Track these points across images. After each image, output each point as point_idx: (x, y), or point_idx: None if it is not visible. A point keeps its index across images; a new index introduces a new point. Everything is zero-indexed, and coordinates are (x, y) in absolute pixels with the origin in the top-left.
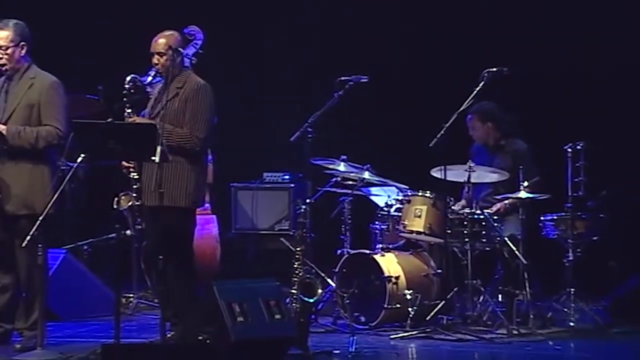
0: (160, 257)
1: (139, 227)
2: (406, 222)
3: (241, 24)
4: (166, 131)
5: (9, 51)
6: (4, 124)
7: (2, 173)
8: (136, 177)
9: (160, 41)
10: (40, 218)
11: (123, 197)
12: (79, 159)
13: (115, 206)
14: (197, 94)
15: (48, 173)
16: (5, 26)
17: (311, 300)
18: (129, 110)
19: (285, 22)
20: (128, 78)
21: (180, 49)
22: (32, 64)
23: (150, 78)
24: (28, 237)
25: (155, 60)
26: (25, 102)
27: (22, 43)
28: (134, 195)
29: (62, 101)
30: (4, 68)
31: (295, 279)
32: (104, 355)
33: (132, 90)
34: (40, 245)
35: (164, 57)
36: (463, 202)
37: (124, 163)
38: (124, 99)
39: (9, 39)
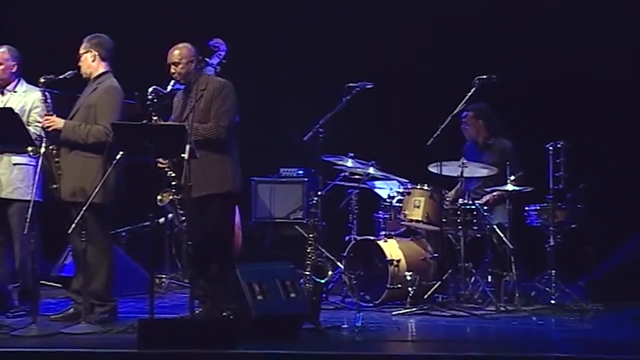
0: (190, 242)
1: (183, 217)
2: (406, 212)
3: (261, 36)
4: (193, 129)
5: (86, 58)
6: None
7: (63, 163)
8: (172, 175)
9: (175, 52)
10: (84, 208)
11: (164, 194)
12: (118, 156)
13: (158, 203)
14: (221, 90)
15: (101, 166)
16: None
17: (322, 281)
18: (155, 118)
19: (299, 34)
20: (150, 89)
21: (194, 57)
22: (108, 72)
23: (170, 87)
24: (73, 225)
25: (172, 70)
26: (87, 103)
27: (83, 52)
28: (173, 191)
29: (116, 104)
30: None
31: (308, 262)
32: (140, 328)
33: (155, 100)
34: (84, 232)
35: (179, 66)
36: (453, 192)
37: (160, 164)
38: (149, 108)
39: (84, 50)
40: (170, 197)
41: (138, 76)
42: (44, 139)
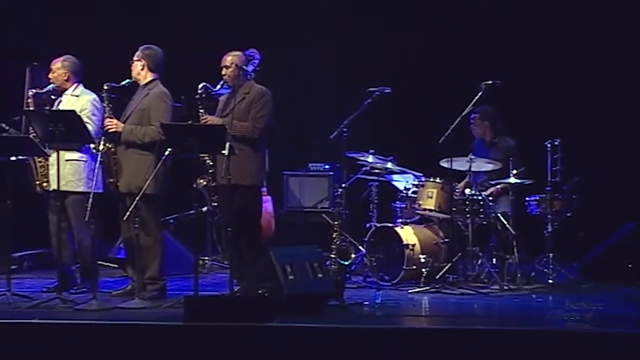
0: (229, 228)
1: (215, 202)
2: (420, 202)
3: (291, 46)
4: (232, 125)
5: (136, 65)
6: (123, 123)
7: (120, 159)
8: (210, 164)
9: (228, 58)
10: (137, 198)
11: (201, 180)
12: (167, 152)
13: (195, 186)
14: (263, 96)
15: (152, 162)
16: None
17: (346, 263)
18: (202, 111)
19: (325, 45)
20: (200, 85)
21: (243, 65)
22: (156, 79)
23: (219, 86)
24: (128, 213)
25: (223, 72)
26: (140, 107)
27: (135, 60)
28: (209, 178)
29: (167, 107)
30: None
31: (334, 246)
32: (186, 304)
33: (203, 95)
34: (137, 219)
35: (229, 70)
36: (464, 182)
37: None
38: (198, 103)
39: (136, 58)
40: (204, 183)
41: (182, 82)
42: (103, 138)
